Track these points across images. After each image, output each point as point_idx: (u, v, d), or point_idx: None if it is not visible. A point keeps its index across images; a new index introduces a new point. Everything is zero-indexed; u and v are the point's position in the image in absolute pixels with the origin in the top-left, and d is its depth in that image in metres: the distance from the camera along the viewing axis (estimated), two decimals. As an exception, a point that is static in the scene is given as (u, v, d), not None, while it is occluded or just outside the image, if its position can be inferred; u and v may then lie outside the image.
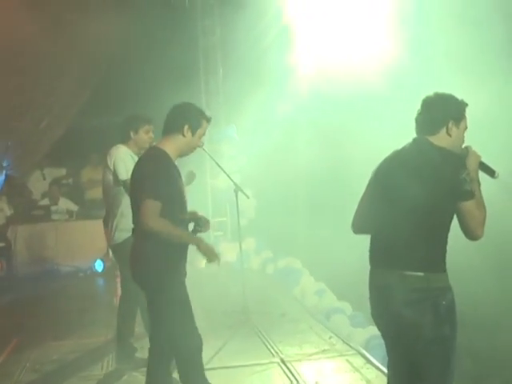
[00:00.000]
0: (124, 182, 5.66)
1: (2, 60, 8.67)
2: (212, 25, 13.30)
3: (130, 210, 4.49)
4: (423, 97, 3.75)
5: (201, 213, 4.79)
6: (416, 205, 3.52)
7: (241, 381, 5.77)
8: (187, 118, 4.33)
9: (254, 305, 7.90)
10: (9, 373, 6.29)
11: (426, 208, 3.52)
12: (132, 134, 5.97)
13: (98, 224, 11.71)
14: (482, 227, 3.54)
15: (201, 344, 4.51)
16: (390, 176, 3.69)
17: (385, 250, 3.67)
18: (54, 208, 12.13)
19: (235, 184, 7.54)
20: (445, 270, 3.61)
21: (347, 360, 6.14)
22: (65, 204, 12.36)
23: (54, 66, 9.82)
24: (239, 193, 7.58)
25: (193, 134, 4.35)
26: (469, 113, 3.72)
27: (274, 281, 10.17)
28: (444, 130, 3.66)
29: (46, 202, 12.43)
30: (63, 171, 14.08)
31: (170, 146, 4.33)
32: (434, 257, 3.60)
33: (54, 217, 12.02)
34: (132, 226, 4.42)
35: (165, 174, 4.22)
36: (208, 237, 12.58)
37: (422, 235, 3.57)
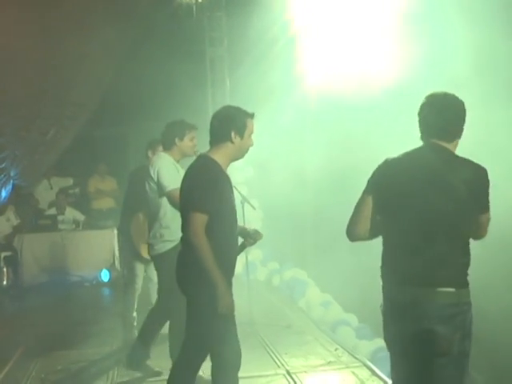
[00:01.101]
0: (168, 192, 5.57)
1: (9, 71, 8.71)
2: (219, 36, 13.35)
3: (174, 222, 4.45)
4: (446, 99, 3.65)
5: (251, 226, 4.79)
6: (453, 219, 3.50)
7: (246, 392, 5.76)
8: (232, 124, 4.23)
9: (260, 316, 7.91)
10: (14, 381, 6.31)
11: (461, 222, 3.52)
12: (177, 140, 5.78)
13: (105, 234, 11.87)
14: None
15: (240, 358, 4.45)
16: (418, 188, 3.53)
17: (413, 266, 3.51)
18: (60, 218, 12.16)
19: (242, 195, 7.55)
20: (469, 285, 3.58)
21: (353, 372, 6.13)
22: (71, 214, 12.39)
23: (61, 77, 9.85)
24: (246, 204, 7.59)
25: (241, 137, 4.26)
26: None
27: (280, 292, 10.16)
28: (458, 139, 3.67)
29: (52, 211, 12.45)
30: (70, 181, 14.12)
31: (221, 155, 4.26)
32: (464, 272, 3.57)
33: (61, 226, 12.04)
34: (177, 236, 4.40)
35: (214, 186, 4.15)
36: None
37: (456, 250, 3.55)
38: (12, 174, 11.57)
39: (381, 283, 3.75)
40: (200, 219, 4.05)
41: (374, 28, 8.82)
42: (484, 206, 3.57)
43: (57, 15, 6.90)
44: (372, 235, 3.75)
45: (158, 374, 6.07)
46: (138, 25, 10.53)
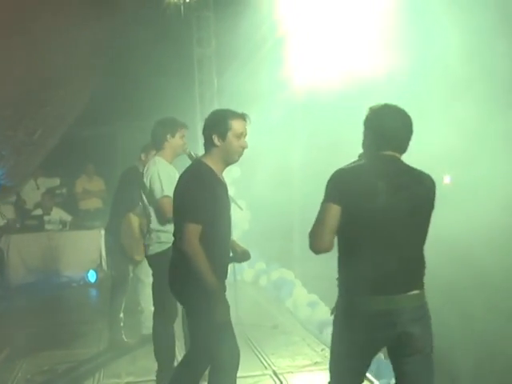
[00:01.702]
0: (157, 200, 5.46)
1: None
2: (207, 36, 13.33)
3: (172, 225, 4.43)
4: (400, 111, 3.73)
5: (241, 244, 4.79)
6: (417, 226, 3.64)
7: (233, 393, 5.75)
8: (212, 128, 4.23)
9: (247, 316, 7.91)
10: (0, 382, 6.27)
11: (423, 228, 3.67)
12: (169, 137, 5.65)
13: (92, 234, 11.84)
14: None
15: (238, 360, 4.43)
16: (382, 197, 3.53)
17: (384, 275, 3.53)
18: (47, 218, 12.11)
19: (229, 196, 7.54)
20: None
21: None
22: (58, 214, 12.33)
23: (48, 77, 9.82)
24: (233, 204, 7.58)
25: (223, 139, 4.21)
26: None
27: (266, 293, 10.17)
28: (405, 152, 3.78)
29: (39, 211, 12.40)
30: (57, 181, 14.08)
31: (212, 160, 4.24)
32: (423, 273, 3.69)
33: (48, 227, 12.00)
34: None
35: (206, 194, 4.10)
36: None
37: (419, 255, 3.69)
38: (-2, 174, 11.53)
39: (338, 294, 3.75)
40: (194, 230, 4.04)
41: (362, 28, 8.84)
42: (431, 212, 3.72)
43: (43, 15, 6.87)
44: (333, 245, 3.68)
45: None
46: (125, 25, 10.52)
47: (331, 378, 3.88)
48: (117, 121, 15.07)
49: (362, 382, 3.87)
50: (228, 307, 4.15)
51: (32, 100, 10.31)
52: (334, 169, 3.71)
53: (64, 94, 11.00)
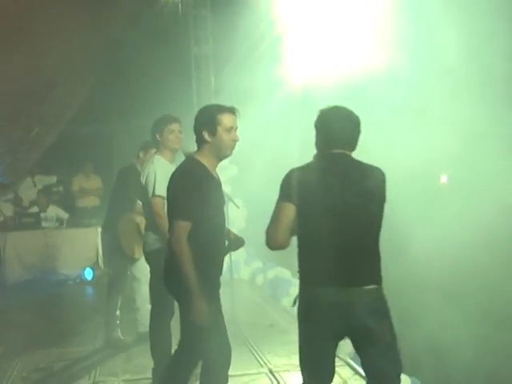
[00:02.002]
0: (149, 199, 5.46)
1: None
2: (205, 35, 13.33)
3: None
4: (348, 112, 3.89)
5: (234, 230, 4.80)
6: (372, 220, 3.78)
7: (229, 391, 5.75)
8: (201, 124, 4.25)
9: (243, 315, 7.92)
10: (-4, 380, 6.27)
11: (377, 221, 3.80)
12: (158, 136, 5.66)
13: (89, 232, 11.84)
14: None
15: (229, 359, 4.45)
16: (336, 192, 3.70)
17: (339, 267, 3.68)
18: (43, 215, 12.11)
19: (226, 194, 7.54)
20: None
21: (335, 371, 6.13)
22: (54, 211, 12.32)
23: (45, 75, 9.81)
24: (230, 203, 7.59)
25: (213, 135, 4.22)
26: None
27: (263, 291, 10.17)
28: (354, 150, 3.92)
29: (36, 209, 12.39)
30: (54, 179, 14.07)
31: (203, 156, 4.26)
32: (380, 268, 3.80)
33: (44, 224, 12.00)
34: None
35: (197, 191, 4.11)
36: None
37: (375, 249, 3.81)
38: (-5, 171, 11.52)
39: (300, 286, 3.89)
40: (183, 227, 4.06)
41: (359, 26, 8.85)
42: (384, 205, 3.83)
43: (39, 14, 6.85)
44: (289, 242, 3.85)
45: None
46: (123, 23, 10.50)
47: (302, 370, 4.02)
48: (114, 119, 15.06)
49: (332, 371, 4.00)
50: (205, 311, 4.09)
51: (29, 98, 10.30)
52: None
53: (61, 92, 10.99)
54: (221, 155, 4.34)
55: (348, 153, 3.86)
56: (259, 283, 10.66)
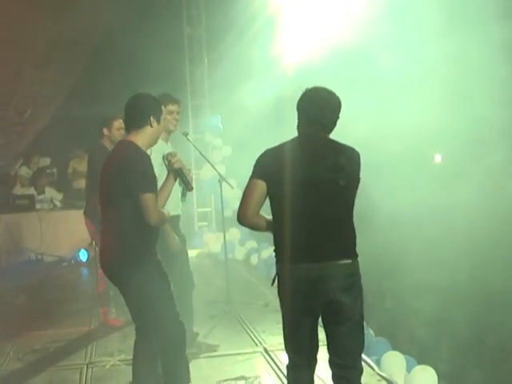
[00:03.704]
0: None
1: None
2: (197, 14, 13.27)
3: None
4: (327, 93, 3.94)
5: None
6: (343, 194, 3.80)
7: (224, 370, 5.77)
8: (150, 109, 4.37)
9: (238, 295, 7.94)
10: (-8, 362, 6.29)
11: (349, 196, 3.85)
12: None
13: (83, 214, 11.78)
14: None
15: (183, 331, 4.52)
16: (308, 168, 3.76)
17: (313, 243, 3.76)
18: (39, 197, 12.11)
19: (220, 174, 7.55)
20: (358, 256, 3.86)
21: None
22: (49, 193, 12.33)
23: (38, 55, 9.75)
24: (224, 183, 7.59)
25: (158, 122, 4.41)
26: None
27: (257, 271, 10.19)
28: (331, 132, 3.98)
29: (30, 191, 12.37)
30: (47, 160, 14.04)
31: (141, 139, 4.36)
32: (355, 243, 3.86)
33: (38, 206, 11.99)
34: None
35: (150, 167, 4.27)
36: (192, 227, 12.62)
37: (348, 224, 3.86)
38: (-12, 153, 11.49)
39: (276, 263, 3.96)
40: (154, 199, 4.21)
41: (353, 4, 8.82)
42: (358, 183, 3.89)
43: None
44: (258, 219, 3.96)
45: (214, 348, 6.25)
46: (114, 2, 10.44)
47: (286, 347, 4.05)
48: (107, 100, 14.98)
49: (315, 347, 4.00)
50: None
51: (22, 79, 10.25)
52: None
53: (53, 73, 10.94)
54: (155, 140, 4.53)
55: (322, 133, 3.91)
56: (254, 263, 10.69)
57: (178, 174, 4.62)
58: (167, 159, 4.66)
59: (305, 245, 3.76)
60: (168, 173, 4.66)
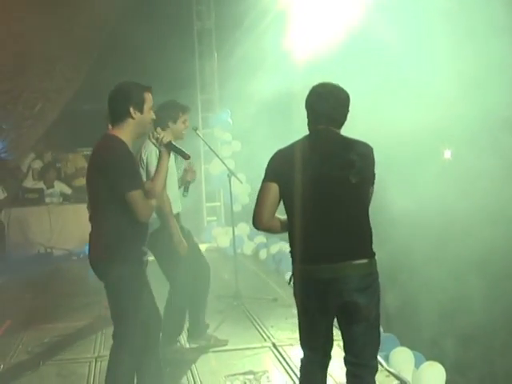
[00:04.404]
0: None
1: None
2: (207, 9, 13.27)
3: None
4: (335, 88, 3.90)
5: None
6: (356, 193, 3.74)
7: (232, 364, 5.79)
8: (129, 100, 4.21)
9: (247, 290, 7.94)
10: (1, 354, 6.30)
11: (362, 194, 3.78)
12: (171, 123, 5.62)
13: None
14: None
15: (159, 325, 4.54)
16: (319, 168, 3.71)
17: (327, 243, 3.71)
18: (49, 191, 12.15)
19: (229, 169, 7.55)
20: (375, 254, 3.80)
21: (338, 345, 6.09)
22: (59, 187, 12.37)
23: (48, 51, 9.77)
24: (233, 178, 7.59)
25: (141, 112, 4.23)
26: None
27: (266, 266, 10.18)
28: (341, 127, 3.92)
29: (39, 185, 12.41)
30: (57, 155, 14.05)
31: (124, 132, 4.22)
32: (371, 242, 3.80)
33: (48, 200, 12.03)
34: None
35: (132, 163, 4.21)
36: (201, 222, 12.63)
37: (363, 223, 3.80)
38: (-1, 147, 11.53)
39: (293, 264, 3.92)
40: (141, 195, 4.12)
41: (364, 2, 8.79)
42: (373, 179, 3.86)
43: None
44: (274, 223, 3.92)
45: (224, 342, 6.27)
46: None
47: (301, 344, 4.04)
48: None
49: (330, 345, 4.04)
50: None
51: (32, 74, 10.27)
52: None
53: (63, 67, 10.96)
54: (140, 132, 4.37)
55: (333, 128, 3.85)
56: (263, 258, 10.67)
57: (170, 147, 4.44)
58: (154, 138, 4.50)
59: (318, 245, 3.73)
60: (159, 152, 4.49)
